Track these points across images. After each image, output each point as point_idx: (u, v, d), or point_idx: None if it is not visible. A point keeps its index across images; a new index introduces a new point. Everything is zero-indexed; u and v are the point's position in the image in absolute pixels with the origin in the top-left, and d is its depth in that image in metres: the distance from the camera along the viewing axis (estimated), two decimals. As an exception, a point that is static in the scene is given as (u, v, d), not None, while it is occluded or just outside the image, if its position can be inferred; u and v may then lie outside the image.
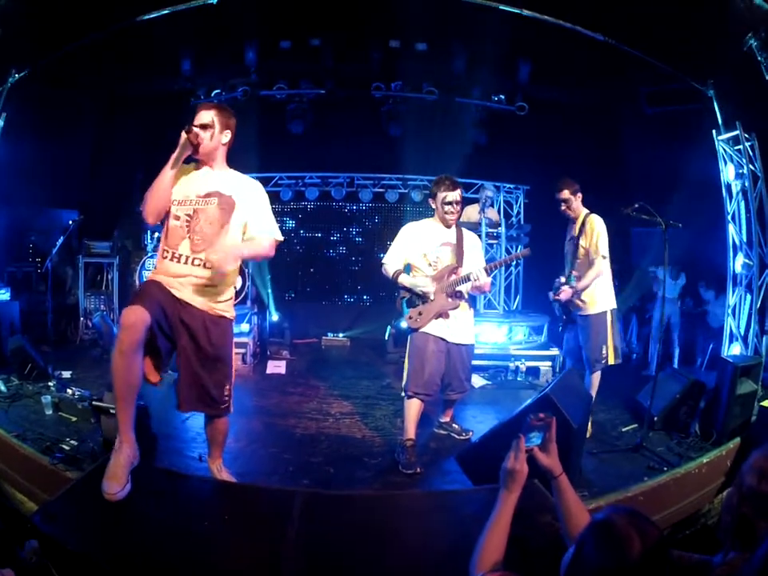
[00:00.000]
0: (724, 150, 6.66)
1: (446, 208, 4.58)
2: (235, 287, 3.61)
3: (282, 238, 3.53)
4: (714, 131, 6.69)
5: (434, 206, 4.70)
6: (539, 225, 8.99)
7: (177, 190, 3.40)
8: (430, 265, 4.61)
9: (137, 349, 3.01)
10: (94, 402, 4.43)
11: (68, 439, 4.43)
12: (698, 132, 7.15)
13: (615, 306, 5.13)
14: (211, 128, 3.37)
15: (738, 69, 5.91)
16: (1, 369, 6.22)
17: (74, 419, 5.04)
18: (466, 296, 4.68)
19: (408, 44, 9.07)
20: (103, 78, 9.10)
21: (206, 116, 3.37)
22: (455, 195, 4.58)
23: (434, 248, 4.61)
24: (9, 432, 4.45)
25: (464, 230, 4.79)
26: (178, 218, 3.35)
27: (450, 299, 4.52)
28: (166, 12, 6.75)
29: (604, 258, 4.94)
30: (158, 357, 3.28)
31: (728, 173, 6.68)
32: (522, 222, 10.04)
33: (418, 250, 4.64)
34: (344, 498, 2.75)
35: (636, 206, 4.94)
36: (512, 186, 10.38)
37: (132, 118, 9.43)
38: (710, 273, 8.42)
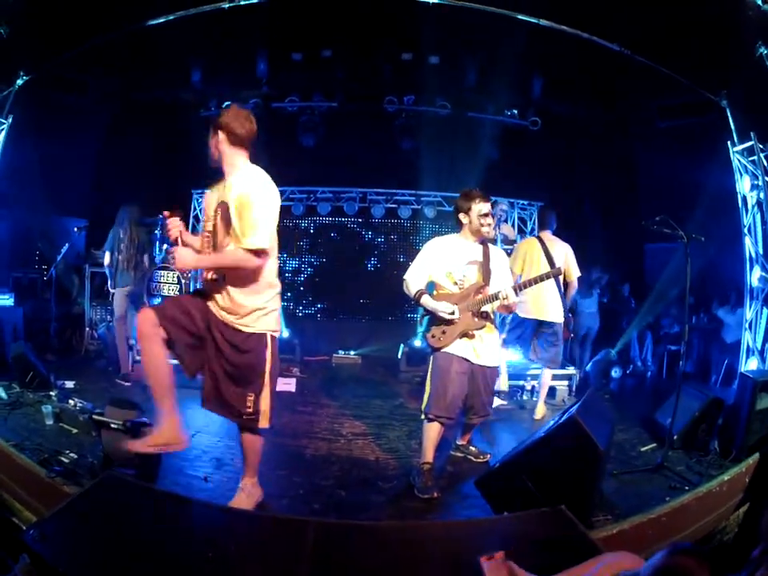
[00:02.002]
0: (739, 161, 6.56)
1: (483, 221, 4.34)
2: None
3: (261, 246, 3.28)
4: (729, 142, 6.61)
5: (465, 221, 4.42)
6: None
7: (206, 207, 3.66)
8: (456, 284, 4.38)
9: (152, 341, 3.24)
10: (94, 416, 4.26)
11: (67, 452, 4.28)
12: (712, 144, 7.11)
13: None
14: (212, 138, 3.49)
15: (751, 79, 5.88)
16: (2, 375, 6.13)
17: (75, 431, 4.91)
18: (493, 316, 4.46)
19: (420, 57, 9.01)
20: (113, 85, 9.11)
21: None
22: (489, 206, 4.39)
23: (461, 266, 4.38)
24: (7, 441, 4.32)
25: (491, 246, 4.56)
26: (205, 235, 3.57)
27: (475, 319, 4.30)
28: (177, 15, 6.67)
29: None
30: (191, 356, 3.47)
31: (743, 184, 6.58)
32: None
33: (443, 268, 4.41)
34: (360, 529, 2.55)
35: (657, 218, 4.79)
36: (526, 203, 10.30)
37: (141, 127, 9.38)
38: (725, 287, 8.38)
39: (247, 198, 3.28)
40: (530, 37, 7.03)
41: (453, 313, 4.21)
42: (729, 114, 6.53)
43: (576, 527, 2.42)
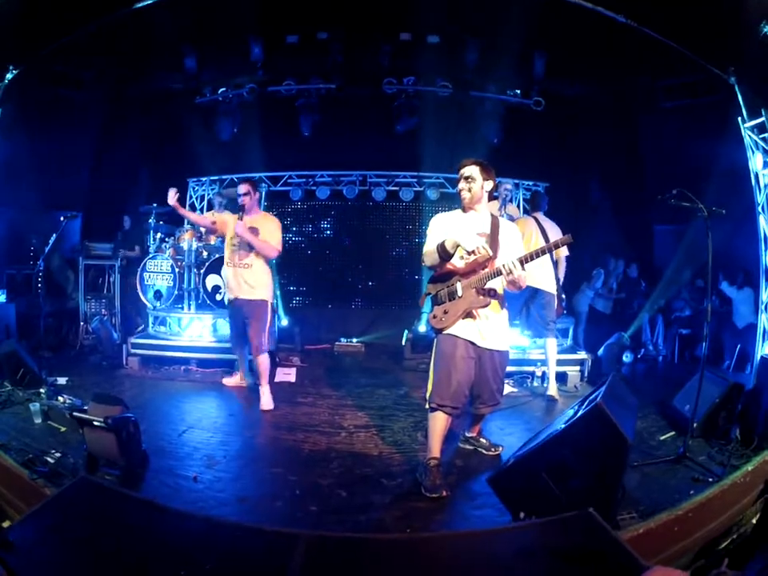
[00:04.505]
0: (750, 137, 6.27)
1: (459, 185, 4.12)
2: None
3: (280, 249, 5.85)
4: (739, 119, 6.33)
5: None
6: (560, 222, 8.73)
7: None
8: (462, 257, 4.03)
9: None
10: (74, 414, 4.00)
11: (53, 451, 4.07)
12: (718, 123, 6.96)
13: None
14: (249, 195, 5.76)
15: (759, 56, 5.68)
16: None
17: (63, 429, 4.72)
18: (501, 292, 4.11)
19: (419, 37, 8.83)
20: (106, 77, 8.99)
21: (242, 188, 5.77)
22: (464, 171, 4.08)
23: (470, 238, 3.97)
24: None
25: (501, 219, 4.23)
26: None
27: (480, 296, 3.95)
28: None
29: None
30: None
31: (756, 161, 6.28)
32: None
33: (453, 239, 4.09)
34: (358, 543, 2.24)
35: (674, 192, 4.50)
36: (531, 183, 10.10)
37: (135, 117, 9.23)
38: (733, 267, 8.14)
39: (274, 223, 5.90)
40: (531, 12, 6.87)
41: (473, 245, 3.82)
42: (737, 91, 6.26)
43: (608, 534, 2.10)
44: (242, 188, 5.76)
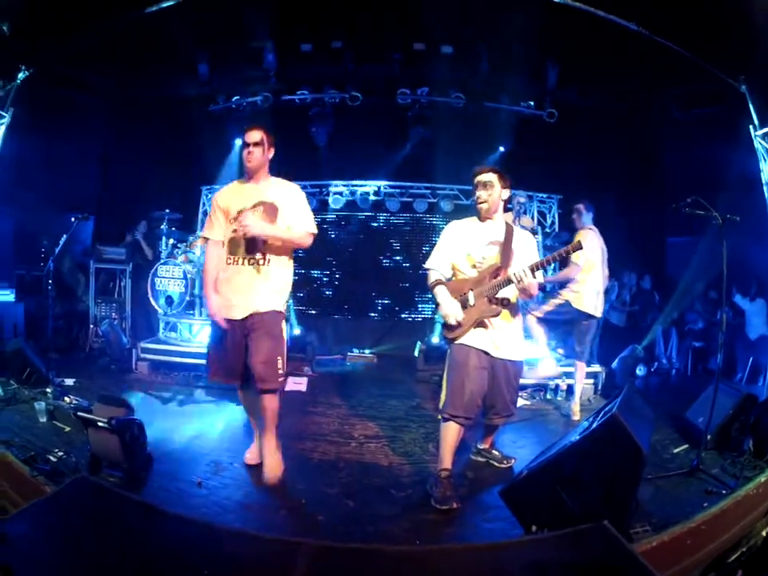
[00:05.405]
0: (761, 144, 6.26)
1: (476, 193, 4.03)
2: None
3: (315, 231, 4.04)
4: (750, 127, 6.34)
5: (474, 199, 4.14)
6: (572, 234, 8.70)
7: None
8: (474, 266, 3.98)
9: None
10: (79, 414, 3.96)
11: (56, 450, 4.03)
12: (730, 132, 6.96)
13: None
14: (261, 145, 3.94)
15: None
16: (1, 372, 5.95)
17: (68, 429, 4.72)
18: (514, 301, 4.04)
19: (433, 46, 8.80)
20: (119, 81, 9.02)
21: (255, 135, 3.95)
22: (481, 177, 4.01)
23: (480, 247, 3.98)
24: None
25: (516, 227, 4.17)
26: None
27: (492, 305, 3.87)
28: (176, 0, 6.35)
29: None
30: None
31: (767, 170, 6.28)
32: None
33: (463, 250, 4.03)
34: (363, 554, 2.14)
35: (689, 200, 4.46)
36: (545, 196, 10.01)
37: (148, 123, 9.25)
38: (746, 277, 8.14)
39: (298, 194, 4.14)
40: (543, 20, 6.81)
41: (452, 319, 3.86)
42: (749, 99, 6.26)
43: (623, 547, 2.00)
44: (253, 134, 3.94)
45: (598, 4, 6.42)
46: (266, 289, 3.89)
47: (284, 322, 4.03)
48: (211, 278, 4.01)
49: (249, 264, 3.88)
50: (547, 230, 9.78)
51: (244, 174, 4.07)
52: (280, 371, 3.88)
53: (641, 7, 6.23)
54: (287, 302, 4.14)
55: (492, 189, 4.00)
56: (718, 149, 7.45)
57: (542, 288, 5.80)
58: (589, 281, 5.87)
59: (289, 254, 4.03)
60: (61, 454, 3.97)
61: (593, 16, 6.41)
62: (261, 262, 3.88)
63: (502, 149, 9.80)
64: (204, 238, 4.16)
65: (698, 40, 6.11)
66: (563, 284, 6.05)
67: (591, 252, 5.83)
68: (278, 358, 3.86)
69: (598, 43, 7.04)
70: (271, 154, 4.04)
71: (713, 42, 6.00)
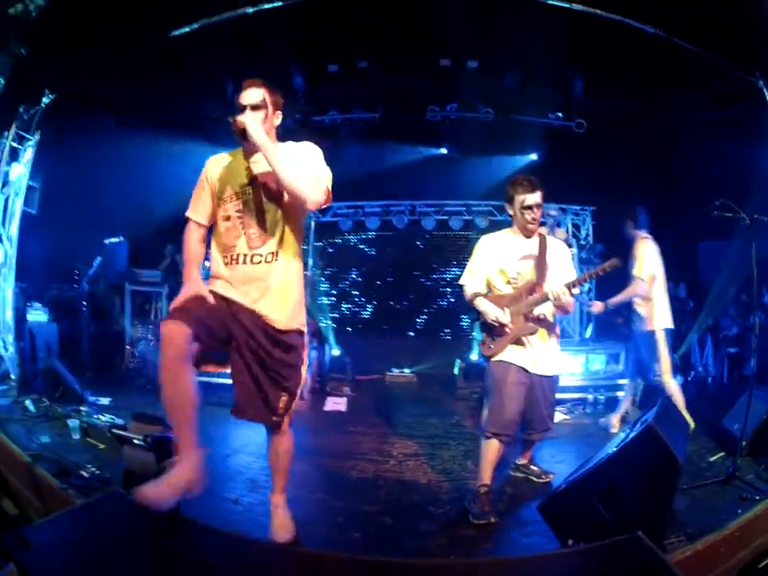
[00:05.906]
0: None
1: (526, 213, 3.89)
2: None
3: (329, 186, 2.99)
4: None
5: (511, 213, 4.03)
6: (607, 245, 8.57)
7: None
8: (509, 282, 3.95)
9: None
10: (113, 430, 4.03)
11: (89, 466, 4.03)
12: (754, 132, 6.82)
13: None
14: (262, 109, 2.94)
15: None
16: (33, 390, 6.06)
17: (102, 446, 4.72)
18: (551, 319, 4.00)
19: (459, 62, 8.78)
20: (146, 103, 9.12)
21: (254, 94, 2.94)
22: (535, 198, 3.89)
23: (513, 262, 3.94)
24: (25, 450, 4.13)
25: (549, 238, 4.10)
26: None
27: (529, 323, 3.85)
28: (202, 24, 6.56)
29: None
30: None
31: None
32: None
33: (495, 265, 3.99)
34: (396, 567, 2.13)
35: (717, 203, 4.39)
36: (578, 208, 9.95)
37: (178, 144, 9.34)
38: None
39: (312, 150, 3.08)
40: (564, 29, 6.74)
41: (497, 319, 3.81)
42: (766, 94, 6.16)
43: (658, 558, 1.98)
44: (251, 93, 2.94)
45: (616, 9, 6.38)
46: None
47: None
48: (194, 256, 3.11)
49: (253, 263, 2.93)
50: (582, 242, 9.69)
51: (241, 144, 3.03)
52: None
53: (655, 12, 6.18)
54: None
55: (540, 209, 3.94)
56: (744, 149, 7.30)
57: (606, 312, 5.78)
58: (656, 295, 5.56)
59: (300, 242, 3.13)
60: (93, 469, 3.97)
61: (611, 22, 6.40)
62: (269, 258, 2.94)
63: (534, 156, 9.87)
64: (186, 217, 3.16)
65: (714, 40, 6.02)
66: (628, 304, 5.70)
67: (652, 262, 5.52)
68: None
69: (618, 50, 7.04)
70: (278, 119, 3.05)
71: (727, 40, 5.91)
